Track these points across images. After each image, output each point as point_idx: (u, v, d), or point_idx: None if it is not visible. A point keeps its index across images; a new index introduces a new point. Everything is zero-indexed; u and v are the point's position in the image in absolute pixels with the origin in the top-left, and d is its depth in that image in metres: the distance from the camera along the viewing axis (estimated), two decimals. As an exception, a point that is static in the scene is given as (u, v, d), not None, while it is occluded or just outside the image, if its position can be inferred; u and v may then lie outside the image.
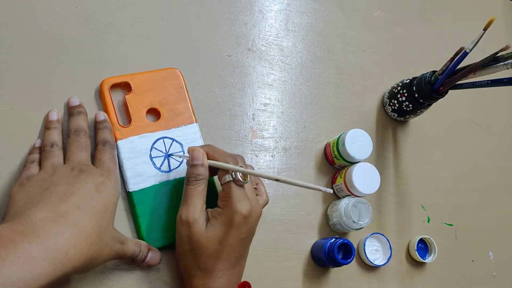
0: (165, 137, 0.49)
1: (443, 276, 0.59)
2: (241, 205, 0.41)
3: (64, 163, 0.42)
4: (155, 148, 0.48)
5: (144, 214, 0.46)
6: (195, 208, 0.42)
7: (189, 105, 0.51)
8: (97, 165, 0.43)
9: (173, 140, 0.49)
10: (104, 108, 0.48)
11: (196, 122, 0.51)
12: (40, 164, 0.43)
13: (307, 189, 0.41)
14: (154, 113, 0.50)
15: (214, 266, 0.41)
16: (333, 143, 0.56)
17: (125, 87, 0.50)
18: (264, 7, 0.61)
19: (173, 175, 0.48)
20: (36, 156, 0.44)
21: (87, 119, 0.46)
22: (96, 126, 0.46)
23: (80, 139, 0.44)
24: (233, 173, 0.41)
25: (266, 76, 0.59)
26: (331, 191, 0.35)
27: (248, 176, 0.43)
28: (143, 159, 0.48)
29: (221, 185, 0.42)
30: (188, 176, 0.43)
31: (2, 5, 0.49)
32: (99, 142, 0.45)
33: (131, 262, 0.44)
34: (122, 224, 0.47)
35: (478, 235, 0.63)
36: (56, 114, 0.46)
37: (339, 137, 0.55)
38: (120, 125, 0.48)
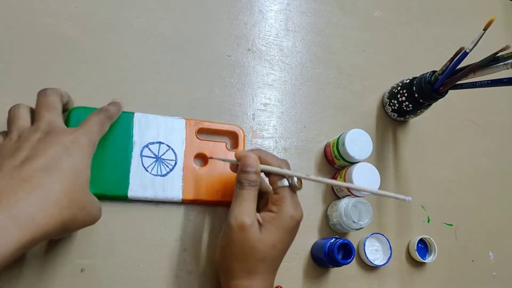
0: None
1: (443, 276, 0.59)
2: (295, 210, 0.42)
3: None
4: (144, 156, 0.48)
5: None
6: (250, 212, 0.41)
7: None
8: (79, 125, 0.39)
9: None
10: None
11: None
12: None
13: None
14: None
15: (262, 269, 0.41)
16: (333, 143, 0.56)
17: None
18: (264, 7, 0.61)
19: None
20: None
21: (64, 91, 0.43)
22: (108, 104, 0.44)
23: (47, 98, 0.40)
24: (290, 179, 0.43)
25: (266, 76, 0.59)
26: (411, 199, 0.36)
27: (302, 184, 0.44)
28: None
29: (274, 189, 0.43)
30: (241, 180, 0.43)
31: (2, 5, 0.49)
32: (97, 109, 0.42)
33: None
34: (135, 222, 0.47)
35: (478, 235, 0.63)
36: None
37: (339, 137, 0.55)
38: None
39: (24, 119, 0.39)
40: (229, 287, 0.42)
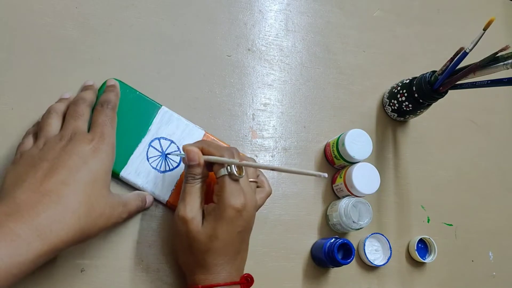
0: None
1: (443, 276, 0.59)
2: (234, 199, 0.41)
3: None
4: (152, 147, 0.49)
5: None
6: (192, 206, 0.42)
7: None
8: (91, 128, 0.42)
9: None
10: None
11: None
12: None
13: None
14: None
15: (212, 261, 0.41)
16: (333, 143, 0.56)
17: None
18: (264, 7, 0.61)
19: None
20: (33, 128, 0.44)
21: (94, 95, 0.46)
22: (104, 91, 0.46)
23: (77, 108, 0.43)
24: (228, 167, 0.41)
25: (266, 76, 0.59)
26: (326, 175, 0.34)
27: (244, 170, 0.43)
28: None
29: (216, 179, 0.42)
30: (186, 174, 0.43)
31: (2, 5, 0.49)
32: (99, 103, 0.44)
33: (137, 213, 0.45)
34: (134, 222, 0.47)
35: (478, 235, 0.63)
36: (68, 94, 0.46)
37: (339, 137, 0.55)
38: None
39: (52, 125, 0.42)
40: (191, 282, 0.43)
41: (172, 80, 0.53)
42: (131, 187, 0.48)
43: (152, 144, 0.49)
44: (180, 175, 0.49)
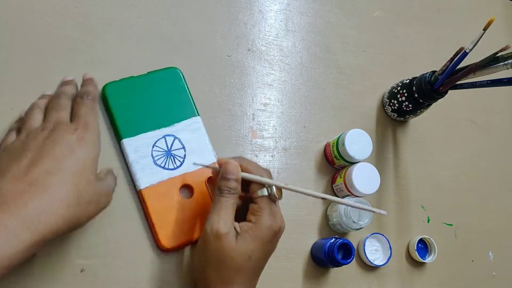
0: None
1: (443, 276, 0.59)
2: (273, 221, 0.41)
3: None
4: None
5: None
6: (226, 220, 0.40)
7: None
8: (73, 119, 0.41)
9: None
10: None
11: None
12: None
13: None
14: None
15: (238, 280, 0.40)
16: (333, 143, 0.56)
17: None
18: (264, 7, 0.61)
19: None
20: (16, 125, 0.43)
21: (74, 88, 0.45)
22: (81, 84, 0.45)
23: (59, 100, 0.42)
24: (269, 188, 0.41)
25: (266, 76, 0.59)
26: (386, 213, 0.35)
27: (282, 194, 0.43)
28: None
29: (254, 198, 0.42)
30: (221, 187, 0.42)
31: (2, 5, 0.49)
32: (78, 95, 0.43)
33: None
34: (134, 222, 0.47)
35: (478, 235, 0.63)
36: (50, 91, 0.46)
37: (339, 137, 0.55)
38: None
39: (35, 119, 0.41)
40: None
41: (172, 80, 0.53)
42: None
43: (166, 137, 0.49)
44: (167, 179, 0.48)
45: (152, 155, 0.48)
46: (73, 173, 0.36)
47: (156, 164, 0.48)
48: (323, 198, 0.39)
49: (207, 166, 0.47)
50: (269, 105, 0.58)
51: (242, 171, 0.43)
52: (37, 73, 0.48)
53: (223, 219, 0.40)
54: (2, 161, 0.37)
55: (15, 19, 0.49)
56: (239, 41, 0.58)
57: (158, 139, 0.49)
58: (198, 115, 0.51)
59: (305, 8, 0.64)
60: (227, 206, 0.41)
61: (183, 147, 0.50)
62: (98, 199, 0.38)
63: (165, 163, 0.49)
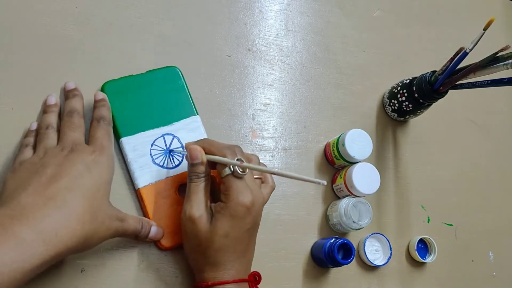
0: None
1: (443, 276, 0.59)
2: (242, 196, 0.41)
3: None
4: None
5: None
6: (198, 204, 0.42)
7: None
8: (90, 142, 0.43)
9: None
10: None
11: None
12: (35, 147, 0.43)
13: (303, 182, 0.41)
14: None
15: (222, 259, 0.42)
16: (333, 143, 0.56)
17: None
18: (264, 7, 0.61)
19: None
20: (30, 139, 0.44)
21: (81, 101, 0.46)
22: (94, 105, 0.47)
23: (72, 120, 0.44)
24: (231, 166, 0.41)
25: (266, 76, 0.59)
26: (325, 183, 0.34)
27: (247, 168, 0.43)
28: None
29: (221, 178, 0.42)
30: (190, 173, 0.43)
31: (2, 5, 0.49)
32: (94, 119, 0.45)
33: (134, 238, 0.44)
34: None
35: (478, 235, 0.63)
36: (54, 99, 0.46)
37: (339, 137, 0.55)
38: None
39: (51, 138, 0.43)
40: (200, 280, 0.43)
41: (172, 80, 0.53)
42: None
43: (165, 136, 0.49)
44: (166, 178, 0.48)
45: (150, 154, 0.48)
46: (89, 191, 0.37)
47: (155, 163, 0.48)
48: (272, 173, 0.40)
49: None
50: (269, 105, 0.58)
51: (206, 153, 0.43)
52: (37, 73, 0.48)
53: (195, 203, 0.42)
54: (21, 175, 0.39)
55: (15, 19, 0.49)
56: (239, 41, 0.58)
57: (157, 138, 0.49)
58: (197, 114, 0.51)
59: (305, 8, 0.64)
60: (197, 190, 0.42)
61: (182, 146, 0.50)
62: (109, 223, 0.39)
63: (164, 162, 0.49)
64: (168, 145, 0.49)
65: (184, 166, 0.49)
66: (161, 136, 0.49)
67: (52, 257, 0.33)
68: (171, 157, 0.49)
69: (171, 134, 0.50)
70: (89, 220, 0.36)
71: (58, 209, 0.34)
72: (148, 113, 0.49)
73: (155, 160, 0.48)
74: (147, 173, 0.47)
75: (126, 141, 0.48)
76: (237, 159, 0.42)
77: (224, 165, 0.42)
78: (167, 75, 0.52)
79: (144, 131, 0.49)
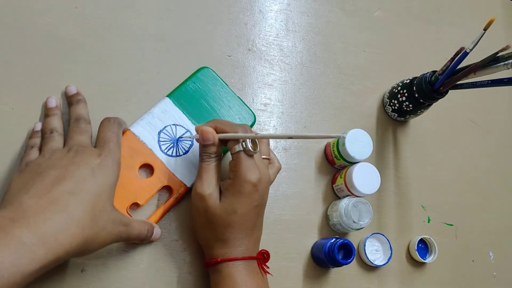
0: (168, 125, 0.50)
1: (443, 276, 0.59)
2: (250, 173, 0.42)
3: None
4: (164, 133, 0.50)
5: None
6: (209, 182, 0.43)
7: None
8: (98, 144, 0.42)
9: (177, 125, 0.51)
10: None
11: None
12: (40, 149, 0.43)
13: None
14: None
15: (231, 235, 0.43)
16: (333, 143, 0.56)
17: None
18: (264, 7, 0.61)
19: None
20: (36, 140, 0.44)
21: (86, 107, 0.47)
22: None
23: (79, 125, 0.44)
24: (243, 143, 0.42)
25: (266, 76, 0.59)
26: (345, 135, 0.35)
27: (258, 146, 0.44)
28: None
29: (231, 155, 0.43)
30: (201, 154, 0.44)
31: (2, 5, 0.49)
32: (106, 118, 0.45)
33: (139, 241, 0.45)
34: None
35: (478, 235, 0.63)
36: (55, 101, 0.46)
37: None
38: None
39: (57, 141, 0.43)
40: (206, 257, 0.45)
41: (172, 80, 0.53)
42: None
43: (161, 135, 0.50)
44: (149, 147, 0.49)
45: (162, 129, 0.49)
46: (92, 196, 0.37)
47: (158, 133, 0.49)
48: (289, 137, 0.40)
49: (191, 137, 0.49)
50: (270, 105, 0.58)
51: (218, 132, 0.44)
52: (37, 73, 0.48)
53: (205, 181, 0.43)
54: (25, 176, 0.38)
55: (15, 19, 0.49)
56: (239, 41, 0.58)
57: (170, 125, 0.50)
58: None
59: (305, 8, 0.64)
60: (208, 169, 0.44)
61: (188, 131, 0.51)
62: (111, 228, 0.39)
63: (166, 145, 0.49)
64: (174, 136, 0.50)
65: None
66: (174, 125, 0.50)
67: (51, 261, 0.33)
68: (178, 145, 0.50)
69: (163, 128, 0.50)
70: (90, 225, 0.36)
71: (59, 213, 0.34)
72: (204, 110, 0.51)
73: (160, 135, 0.49)
74: (145, 128, 0.48)
75: (167, 102, 0.50)
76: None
77: (236, 142, 0.43)
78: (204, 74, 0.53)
79: (185, 114, 0.51)
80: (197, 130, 0.45)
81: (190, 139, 0.50)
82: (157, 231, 0.46)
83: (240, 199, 0.42)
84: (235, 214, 0.42)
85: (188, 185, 0.48)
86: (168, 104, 0.51)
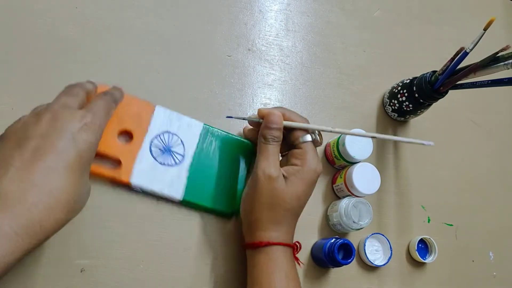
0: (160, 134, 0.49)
1: (443, 276, 0.59)
2: (317, 164, 0.45)
3: None
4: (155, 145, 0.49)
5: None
6: (276, 165, 0.44)
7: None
8: (85, 107, 0.39)
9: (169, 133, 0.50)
10: None
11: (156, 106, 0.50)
12: None
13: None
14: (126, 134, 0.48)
15: (287, 220, 0.44)
16: (333, 143, 0.55)
17: None
18: (264, 7, 0.61)
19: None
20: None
21: (93, 86, 0.44)
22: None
23: (72, 88, 0.40)
24: (313, 134, 0.45)
25: (266, 76, 0.59)
26: (432, 143, 0.38)
27: (322, 138, 0.47)
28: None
29: (297, 144, 0.45)
30: (266, 135, 0.45)
31: (2, 5, 0.49)
32: (102, 92, 0.43)
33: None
34: (134, 222, 0.47)
35: (478, 235, 0.63)
36: None
37: (339, 137, 0.55)
38: None
39: (42, 106, 0.39)
40: (255, 237, 0.44)
41: (172, 80, 0.53)
42: (143, 202, 0.48)
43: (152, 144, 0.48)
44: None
45: (170, 132, 0.49)
46: (74, 171, 0.35)
47: (165, 131, 0.49)
48: (373, 137, 0.45)
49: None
50: (269, 105, 0.58)
51: (285, 119, 0.46)
52: (37, 73, 0.48)
53: (273, 163, 0.44)
54: (3, 147, 0.35)
55: (15, 19, 0.49)
56: (239, 41, 0.58)
57: (179, 137, 0.50)
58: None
59: (305, 8, 0.64)
60: (274, 152, 0.45)
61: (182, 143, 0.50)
62: (85, 198, 0.37)
63: (157, 143, 0.49)
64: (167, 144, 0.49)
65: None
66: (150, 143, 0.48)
67: (33, 247, 0.32)
68: (171, 155, 0.49)
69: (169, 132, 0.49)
70: (73, 207, 0.35)
71: (43, 197, 0.32)
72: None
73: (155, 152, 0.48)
74: (167, 114, 0.49)
75: (198, 125, 0.50)
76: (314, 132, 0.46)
77: (303, 132, 0.45)
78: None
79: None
80: (261, 114, 0.46)
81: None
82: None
83: (305, 187, 0.44)
84: (299, 200, 0.44)
85: (132, 182, 0.46)
86: (197, 127, 0.51)
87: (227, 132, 0.52)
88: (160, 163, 0.48)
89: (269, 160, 0.44)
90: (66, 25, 0.51)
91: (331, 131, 0.45)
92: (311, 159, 0.44)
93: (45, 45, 0.49)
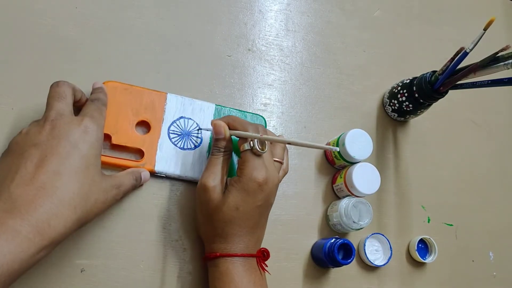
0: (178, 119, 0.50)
1: (443, 276, 0.59)
2: (256, 173, 0.42)
3: None
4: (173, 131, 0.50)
5: None
6: (215, 176, 0.44)
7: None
8: (80, 114, 0.41)
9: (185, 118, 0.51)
10: None
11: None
12: None
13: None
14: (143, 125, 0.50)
15: (231, 231, 0.43)
16: (333, 143, 0.55)
17: None
18: (264, 7, 0.61)
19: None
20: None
21: (76, 88, 0.43)
22: (91, 93, 0.46)
23: (58, 89, 0.40)
24: (251, 142, 0.43)
25: (266, 76, 0.59)
26: (337, 149, 0.36)
27: (269, 148, 0.45)
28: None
29: (240, 153, 0.44)
30: (213, 147, 0.45)
31: (2, 5, 0.49)
32: (89, 99, 0.43)
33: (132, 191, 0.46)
34: (134, 222, 0.47)
35: (478, 235, 0.63)
36: None
37: (339, 137, 0.55)
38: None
39: (39, 118, 0.41)
40: (207, 250, 0.45)
41: (172, 80, 0.53)
42: (143, 202, 0.47)
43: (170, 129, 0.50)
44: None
45: (185, 117, 0.50)
46: (77, 172, 0.36)
47: (180, 117, 0.50)
48: (288, 143, 0.41)
49: (207, 130, 0.50)
50: (269, 105, 0.58)
51: (231, 129, 0.45)
52: (37, 73, 0.48)
53: (212, 174, 0.44)
54: (8, 159, 0.37)
55: (15, 19, 0.49)
56: (239, 41, 0.58)
57: (195, 121, 0.51)
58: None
59: (305, 8, 0.64)
60: (216, 163, 0.44)
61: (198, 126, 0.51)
62: (104, 197, 0.39)
63: (175, 130, 0.50)
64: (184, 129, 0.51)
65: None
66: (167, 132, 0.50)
67: (47, 245, 0.33)
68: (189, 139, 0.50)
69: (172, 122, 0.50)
70: (81, 204, 0.36)
71: (48, 198, 0.34)
72: None
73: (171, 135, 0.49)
74: (179, 101, 0.50)
75: (211, 106, 0.51)
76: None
77: (245, 140, 0.43)
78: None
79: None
80: (211, 124, 0.46)
81: (208, 130, 0.51)
82: (146, 174, 0.46)
83: (244, 197, 0.42)
84: (237, 211, 0.42)
85: (156, 170, 0.48)
86: (210, 108, 0.52)
87: (238, 110, 0.53)
88: (180, 148, 0.49)
89: (209, 171, 0.44)
90: (66, 25, 0.51)
91: (260, 138, 0.42)
92: (248, 168, 0.42)
93: (45, 45, 0.49)
